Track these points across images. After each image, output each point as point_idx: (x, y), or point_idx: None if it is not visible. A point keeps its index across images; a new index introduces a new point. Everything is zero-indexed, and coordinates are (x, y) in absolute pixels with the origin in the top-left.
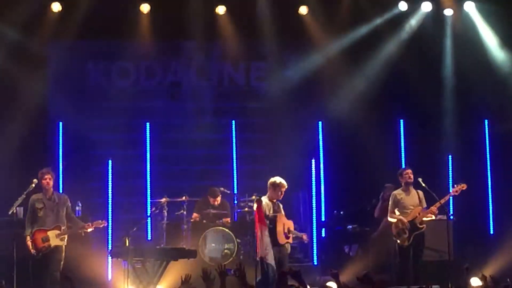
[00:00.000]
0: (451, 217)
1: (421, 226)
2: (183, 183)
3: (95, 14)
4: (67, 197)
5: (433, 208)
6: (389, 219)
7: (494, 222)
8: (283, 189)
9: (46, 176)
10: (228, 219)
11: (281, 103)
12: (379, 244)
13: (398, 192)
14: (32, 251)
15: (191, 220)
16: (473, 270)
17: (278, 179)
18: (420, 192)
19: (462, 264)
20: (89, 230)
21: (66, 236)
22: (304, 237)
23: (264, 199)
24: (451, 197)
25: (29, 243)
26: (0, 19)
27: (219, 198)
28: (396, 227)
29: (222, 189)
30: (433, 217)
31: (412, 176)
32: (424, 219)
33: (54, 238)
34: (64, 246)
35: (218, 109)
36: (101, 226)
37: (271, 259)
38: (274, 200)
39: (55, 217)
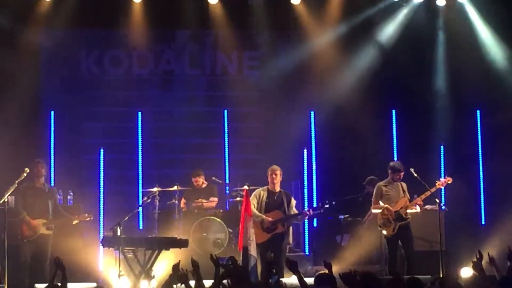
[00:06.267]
0: (443, 207)
1: (406, 217)
2: (175, 172)
3: (87, 2)
4: (56, 190)
5: (418, 200)
6: (373, 210)
7: (485, 213)
8: (272, 173)
9: (38, 165)
10: (216, 199)
11: (274, 92)
12: (370, 234)
13: (383, 184)
14: (19, 236)
15: (182, 209)
16: (465, 261)
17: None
18: (404, 184)
19: (453, 254)
20: (74, 222)
21: (52, 226)
22: (311, 212)
23: (259, 190)
24: (442, 188)
25: (23, 225)
26: None
27: (201, 178)
28: (382, 216)
29: (213, 178)
30: (418, 209)
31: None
32: (409, 210)
33: (41, 227)
34: (50, 236)
35: (211, 98)
36: (87, 219)
37: (253, 250)
38: (277, 189)
39: (43, 206)
